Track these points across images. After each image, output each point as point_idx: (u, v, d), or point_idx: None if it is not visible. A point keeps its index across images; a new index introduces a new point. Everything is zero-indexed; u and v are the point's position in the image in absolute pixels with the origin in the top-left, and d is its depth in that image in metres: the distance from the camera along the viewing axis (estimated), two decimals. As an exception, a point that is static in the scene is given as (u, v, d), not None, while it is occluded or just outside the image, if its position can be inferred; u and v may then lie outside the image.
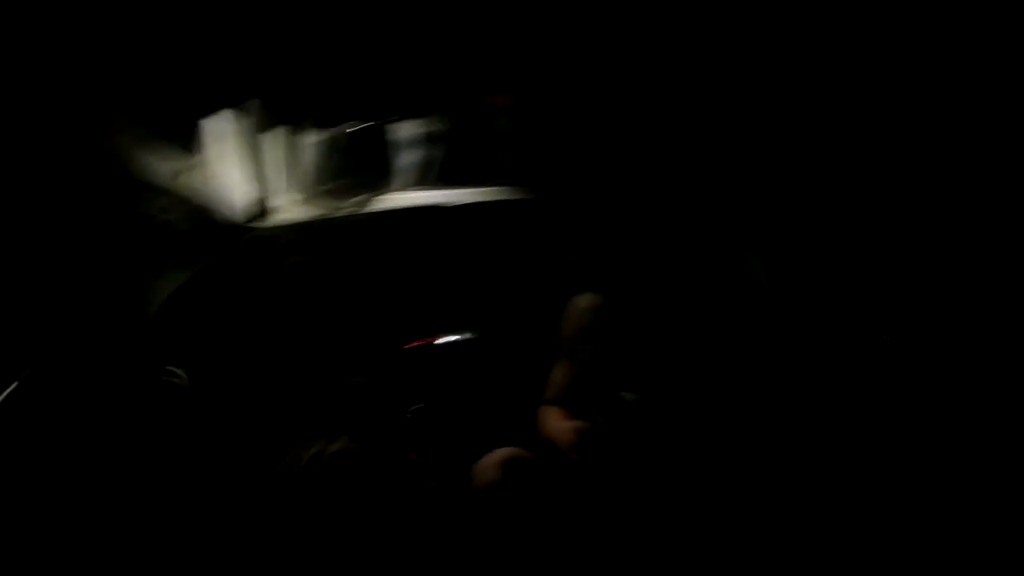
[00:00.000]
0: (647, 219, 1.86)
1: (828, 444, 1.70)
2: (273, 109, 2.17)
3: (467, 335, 2.40)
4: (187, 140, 2.12)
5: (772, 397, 1.75)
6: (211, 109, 2.11)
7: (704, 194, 2.03)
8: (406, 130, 2.40)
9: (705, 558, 1.57)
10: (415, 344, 2.45)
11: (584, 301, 1.97)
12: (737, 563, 1.56)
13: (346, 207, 2.42)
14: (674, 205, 1.91)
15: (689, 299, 1.84)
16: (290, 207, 2.39)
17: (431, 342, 2.45)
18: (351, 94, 2.16)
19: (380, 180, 2.42)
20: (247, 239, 2.30)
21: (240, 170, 2.22)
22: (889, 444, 1.66)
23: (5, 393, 1.68)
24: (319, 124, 2.28)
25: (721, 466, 1.69)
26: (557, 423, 1.91)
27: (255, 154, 2.22)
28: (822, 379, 1.84)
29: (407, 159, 2.43)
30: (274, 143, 2.28)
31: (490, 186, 2.48)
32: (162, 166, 2.08)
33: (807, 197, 1.99)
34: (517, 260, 2.42)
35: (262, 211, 2.35)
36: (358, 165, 2.38)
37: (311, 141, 2.30)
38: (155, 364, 1.89)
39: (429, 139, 2.41)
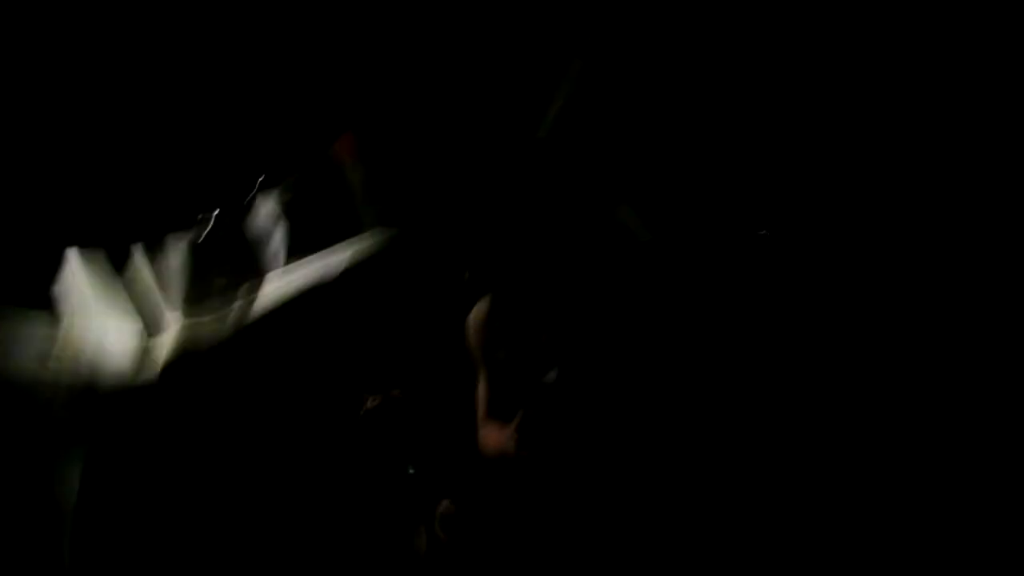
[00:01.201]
0: (514, 213, 1.86)
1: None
2: (119, 239, 2.11)
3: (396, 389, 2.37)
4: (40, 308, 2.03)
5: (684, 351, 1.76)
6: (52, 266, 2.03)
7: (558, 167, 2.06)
8: (265, 207, 2.38)
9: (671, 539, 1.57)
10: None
11: (480, 309, 1.96)
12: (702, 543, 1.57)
13: (236, 302, 2.37)
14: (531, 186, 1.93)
15: (576, 271, 1.84)
16: (180, 319, 2.33)
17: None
18: (188, 193, 2.12)
19: (258, 264, 2.39)
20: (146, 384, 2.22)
21: (112, 315, 2.15)
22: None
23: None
24: (171, 235, 2.23)
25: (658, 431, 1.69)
26: (495, 435, 1.89)
27: (121, 292, 2.15)
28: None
29: (276, 235, 2.41)
30: (134, 273, 2.22)
31: (364, 236, 2.46)
32: (22, 353, 1.97)
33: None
34: (415, 299, 2.41)
35: (158, 330, 2.28)
36: (230, 257, 2.34)
37: (173, 250, 2.25)
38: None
39: (291, 208, 2.39)
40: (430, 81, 2.20)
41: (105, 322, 2.16)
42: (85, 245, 2.11)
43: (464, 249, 2.01)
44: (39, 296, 2.01)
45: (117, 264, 2.15)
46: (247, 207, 2.35)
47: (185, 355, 2.18)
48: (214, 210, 2.18)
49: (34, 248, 2.02)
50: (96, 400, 2.03)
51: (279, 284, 2.42)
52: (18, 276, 1.99)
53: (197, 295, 2.30)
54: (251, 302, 2.39)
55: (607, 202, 2.08)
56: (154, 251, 2.26)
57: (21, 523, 1.77)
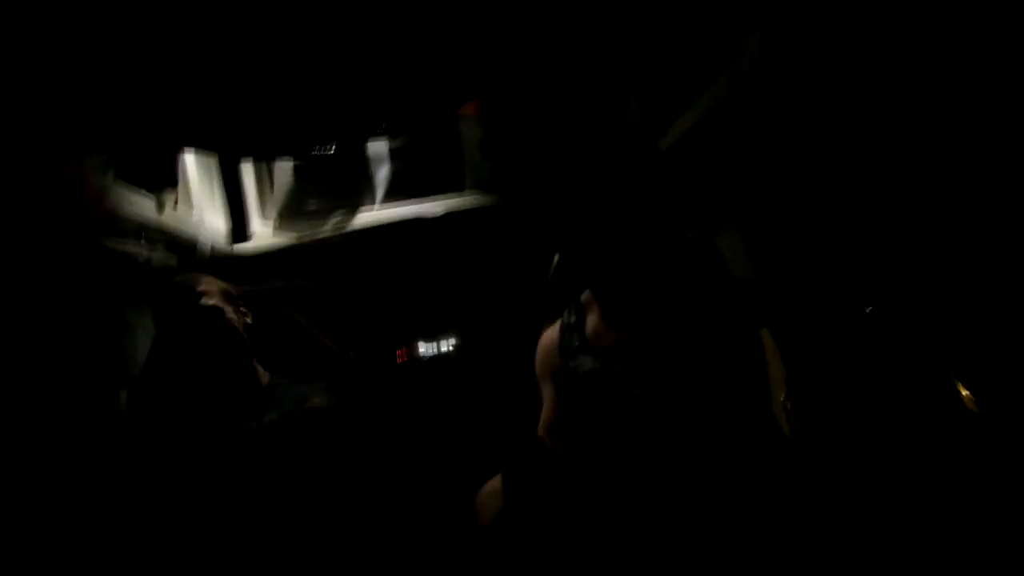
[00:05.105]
0: (622, 219, 1.82)
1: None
2: (246, 136, 2.16)
3: (451, 346, 2.40)
4: (165, 173, 2.13)
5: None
6: (186, 140, 2.11)
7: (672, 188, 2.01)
8: (377, 146, 2.41)
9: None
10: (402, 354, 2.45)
11: (549, 334, 1.93)
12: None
13: (324, 228, 2.43)
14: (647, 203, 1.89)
15: (665, 298, 1.81)
16: (269, 232, 2.41)
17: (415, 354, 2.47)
18: (319, 116, 2.16)
19: (355, 198, 2.44)
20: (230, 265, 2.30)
21: (220, 198, 2.24)
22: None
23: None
24: (289, 149, 2.28)
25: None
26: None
27: (233, 182, 2.23)
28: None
29: (380, 175, 2.45)
30: (249, 170, 2.30)
31: (463, 194, 2.48)
32: (141, 202, 2.09)
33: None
34: (497, 267, 2.42)
35: (244, 237, 2.36)
36: (332, 185, 2.40)
37: (284, 166, 2.31)
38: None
39: (400, 153, 2.42)
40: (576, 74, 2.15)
41: (201, 215, 2.24)
42: (202, 148, 2.17)
43: (553, 241, 1.99)
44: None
45: (226, 170, 2.22)
46: (361, 144, 2.38)
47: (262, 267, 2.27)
48: (330, 141, 2.21)
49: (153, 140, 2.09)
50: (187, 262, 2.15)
51: (373, 218, 2.49)
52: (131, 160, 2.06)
53: (291, 213, 2.37)
54: (343, 228, 2.46)
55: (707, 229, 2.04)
56: (263, 166, 2.32)
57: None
